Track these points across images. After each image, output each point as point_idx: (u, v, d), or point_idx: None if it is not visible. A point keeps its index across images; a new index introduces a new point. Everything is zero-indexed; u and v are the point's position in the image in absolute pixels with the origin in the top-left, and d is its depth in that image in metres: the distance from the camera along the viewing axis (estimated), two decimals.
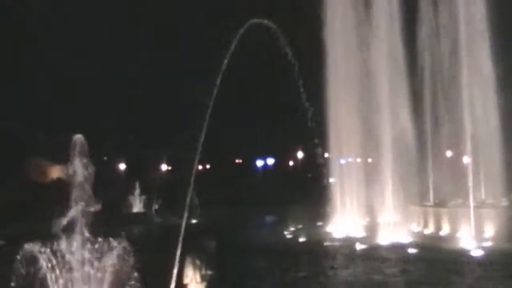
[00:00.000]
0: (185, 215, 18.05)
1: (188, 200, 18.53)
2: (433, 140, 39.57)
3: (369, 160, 40.21)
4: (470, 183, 32.73)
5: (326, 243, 32.92)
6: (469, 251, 28.15)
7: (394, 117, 36.91)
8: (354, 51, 39.75)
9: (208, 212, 52.27)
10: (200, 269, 16.62)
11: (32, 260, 14.06)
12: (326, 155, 41.72)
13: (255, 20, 26.35)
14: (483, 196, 36.03)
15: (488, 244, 29.66)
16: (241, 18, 25.52)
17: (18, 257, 14.07)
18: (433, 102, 39.53)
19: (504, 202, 34.51)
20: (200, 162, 21.09)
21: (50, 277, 14.07)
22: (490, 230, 31.19)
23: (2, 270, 14.81)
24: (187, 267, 16.77)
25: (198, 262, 16.55)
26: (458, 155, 39.72)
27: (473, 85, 34.25)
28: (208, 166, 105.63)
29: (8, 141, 49.16)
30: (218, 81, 20.78)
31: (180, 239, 16.51)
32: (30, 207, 46.55)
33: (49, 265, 14.07)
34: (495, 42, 35.53)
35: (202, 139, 19.01)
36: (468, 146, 33.49)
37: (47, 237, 14.30)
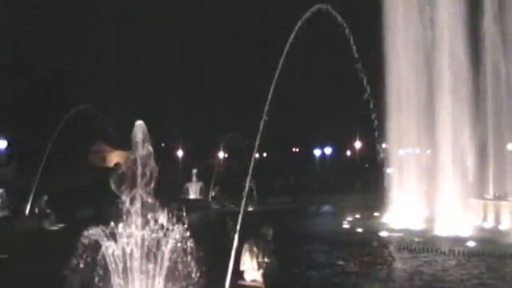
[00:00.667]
0: (243, 202, 18.14)
1: (246, 187, 18.63)
2: (494, 133, 39.04)
3: (428, 151, 39.80)
4: None
5: (383, 234, 32.72)
6: None
7: (454, 108, 36.36)
8: (416, 40, 39.35)
9: (265, 200, 52.49)
10: (257, 257, 16.73)
11: (91, 245, 14.31)
12: (384, 145, 41.47)
13: (318, 6, 26.16)
14: None
15: None
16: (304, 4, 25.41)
17: (78, 241, 14.36)
18: (495, 93, 38.98)
19: None
20: (257, 150, 21.06)
21: (108, 263, 14.31)
22: None
23: (60, 254, 15.06)
24: (244, 254, 16.89)
25: (255, 249, 16.66)
26: None
27: None
28: (265, 154, 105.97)
29: (75, 126, 50.08)
30: (277, 71, 20.74)
31: (238, 226, 16.60)
32: (91, 193, 47.36)
33: (108, 250, 14.31)
34: None
35: (261, 127, 19.01)
36: None
37: (107, 222, 14.54)
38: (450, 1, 37.01)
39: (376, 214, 40.39)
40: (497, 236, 30.90)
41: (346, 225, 37.90)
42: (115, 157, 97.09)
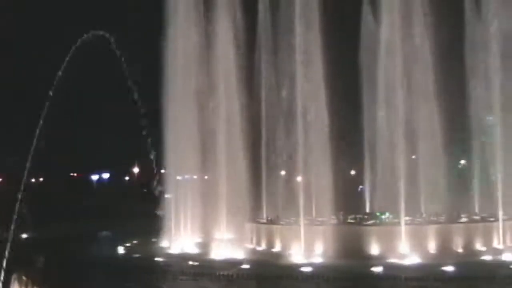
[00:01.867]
0: (12, 228, 17.51)
1: (16, 213, 17.98)
2: (267, 160, 40.40)
3: (206, 177, 40.46)
4: (301, 202, 33.59)
5: (159, 259, 32.75)
6: (299, 266, 28.87)
7: (230, 136, 37.36)
8: (194, 68, 39.98)
9: (41, 226, 50.72)
10: (27, 286, 16.17)
11: None
12: (163, 171, 41.60)
13: (94, 33, 25.92)
14: (313, 214, 37.11)
15: (318, 260, 30.62)
16: (81, 28, 25.09)
17: None
18: (269, 120, 40.34)
19: (333, 220, 35.74)
20: (32, 174, 20.48)
21: None
22: (319, 247, 32.19)
23: None
24: (13, 284, 16.26)
25: (24, 278, 16.10)
26: (291, 175, 40.73)
27: (308, 112, 35.18)
28: (41, 179, 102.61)
29: None
30: (51, 93, 20.31)
31: (5, 254, 15.98)
32: None
33: None
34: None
35: (32, 151, 18.51)
36: (300, 167, 34.31)
37: None
38: (226, 41, 38.25)
39: (154, 239, 40.35)
40: (270, 258, 31.95)
41: (123, 251, 37.54)
42: None
